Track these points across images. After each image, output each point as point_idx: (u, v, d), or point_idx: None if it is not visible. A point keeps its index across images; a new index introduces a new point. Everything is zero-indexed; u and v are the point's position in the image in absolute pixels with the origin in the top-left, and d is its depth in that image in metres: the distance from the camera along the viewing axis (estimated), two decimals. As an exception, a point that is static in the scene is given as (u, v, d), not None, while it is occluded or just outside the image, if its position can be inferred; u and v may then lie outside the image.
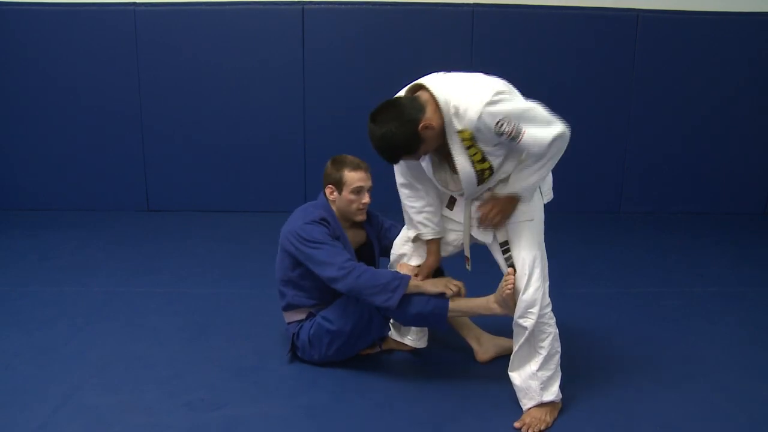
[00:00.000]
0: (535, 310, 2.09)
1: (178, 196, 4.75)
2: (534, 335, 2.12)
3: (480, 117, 1.88)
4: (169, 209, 4.73)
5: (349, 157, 2.48)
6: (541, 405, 2.14)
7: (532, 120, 1.92)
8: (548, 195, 2.23)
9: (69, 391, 2.31)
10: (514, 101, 1.93)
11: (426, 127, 1.94)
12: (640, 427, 2.16)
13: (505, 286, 2.14)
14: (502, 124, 1.88)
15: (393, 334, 2.59)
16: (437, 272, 2.46)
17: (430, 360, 2.58)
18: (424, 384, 2.42)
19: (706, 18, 4.57)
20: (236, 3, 4.48)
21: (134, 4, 4.44)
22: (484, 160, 2.00)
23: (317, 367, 2.49)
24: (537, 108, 1.95)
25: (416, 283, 2.27)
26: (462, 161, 2.00)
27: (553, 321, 2.14)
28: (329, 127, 4.64)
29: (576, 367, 2.45)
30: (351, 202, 2.44)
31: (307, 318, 2.49)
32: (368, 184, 2.46)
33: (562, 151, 2.00)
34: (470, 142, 1.96)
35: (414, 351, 2.61)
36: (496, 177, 2.07)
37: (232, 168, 4.72)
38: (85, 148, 4.66)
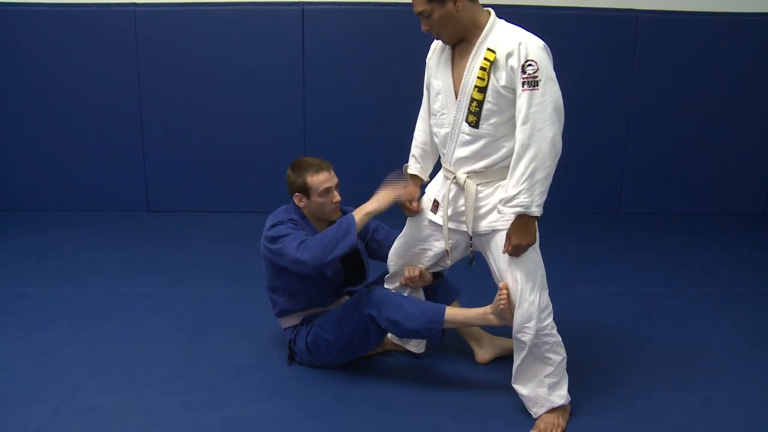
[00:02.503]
0: (532, 324, 2.05)
1: (178, 196, 4.75)
2: (537, 347, 2.08)
3: (521, 44, 1.89)
4: (168, 210, 4.73)
5: (308, 160, 2.45)
6: (552, 410, 2.13)
7: (552, 94, 1.90)
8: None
9: (69, 391, 2.31)
10: (551, 69, 1.93)
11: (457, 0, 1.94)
12: (640, 427, 2.16)
13: (498, 300, 2.12)
14: (530, 64, 1.89)
15: (391, 335, 2.59)
16: (437, 275, 2.46)
17: (429, 360, 2.58)
18: (423, 384, 2.42)
19: (706, 18, 4.57)
20: (236, 3, 4.48)
21: (134, 4, 4.44)
22: (482, 91, 1.96)
23: (316, 368, 2.49)
24: (560, 96, 1.94)
25: (362, 212, 2.26)
26: (469, 77, 1.99)
27: (554, 329, 2.10)
28: (329, 128, 4.64)
29: (576, 368, 2.43)
30: (322, 204, 2.42)
31: (302, 323, 2.49)
32: (334, 181, 2.44)
33: (557, 155, 1.95)
34: (487, 64, 1.94)
35: (413, 353, 2.62)
36: (479, 130, 2.01)
37: (232, 168, 4.71)
38: (85, 148, 4.65)
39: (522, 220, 1.98)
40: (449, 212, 2.19)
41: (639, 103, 4.71)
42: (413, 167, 2.36)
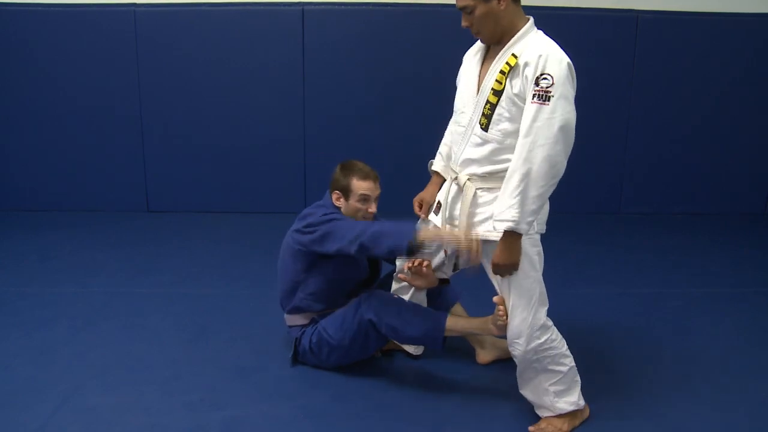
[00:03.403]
0: (521, 341, 2.03)
1: (178, 196, 4.75)
2: (539, 361, 2.06)
3: (541, 56, 1.86)
4: (168, 210, 4.73)
5: (359, 164, 2.44)
6: (560, 415, 2.12)
7: (563, 113, 1.85)
8: (541, 226, 2.05)
9: (69, 391, 2.31)
10: (570, 88, 1.88)
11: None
12: (640, 427, 2.17)
13: (498, 316, 2.11)
14: (546, 78, 1.84)
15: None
16: (443, 281, 2.45)
17: (430, 361, 2.58)
18: (424, 385, 2.43)
19: (706, 18, 4.57)
20: (236, 3, 4.48)
21: (134, 4, 4.44)
22: (497, 95, 1.95)
23: (317, 368, 2.49)
24: (572, 118, 1.88)
25: (431, 233, 2.14)
26: (489, 79, 1.98)
27: (555, 342, 2.07)
28: (329, 128, 4.64)
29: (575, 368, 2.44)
30: (357, 210, 2.42)
31: (309, 323, 2.49)
32: (376, 193, 2.44)
33: (555, 175, 1.90)
34: (507, 69, 1.92)
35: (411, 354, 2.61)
36: (488, 134, 1.99)
37: (231, 169, 4.71)
38: (85, 148, 4.65)
39: (508, 237, 1.94)
40: (446, 214, 2.18)
41: (639, 103, 4.71)
42: (437, 164, 2.34)
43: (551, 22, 4.70)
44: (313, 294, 2.45)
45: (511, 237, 1.94)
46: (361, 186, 2.39)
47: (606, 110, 4.72)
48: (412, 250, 2.10)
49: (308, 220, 2.36)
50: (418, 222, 2.35)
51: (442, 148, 2.33)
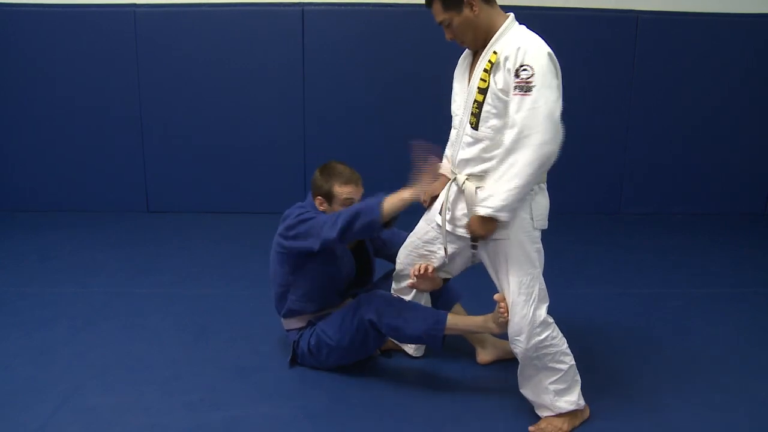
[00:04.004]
0: (522, 338, 2.04)
1: (178, 197, 4.75)
2: (539, 359, 2.07)
3: (519, 49, 1.88)
4: (168, 210, 4.73)
5: (339, 168, 2.41)
6: (560, 414, 2.12)
7: (547, 102, 1.86)
8: (540, 222, 2.07)
9: (69, 391, 2.31)
10: (552, 78, 1.89)
11: (470, 3, 1.95)
12: (640, 427, 2.16)
13: (498, 310, 2.11)
14: (525, 69, 1.86)
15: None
16: (443, 281, 2.45)
17: (430, 361, 2.58)
18: (424, 385, 2.42)
19: (706, 19, 4.57)
20: (236, 4, 4.48)
21: (134, 4, 4.44)
22: (483, 93, 1.97)
23: (316, 369, 2.49)
24: (557, 107, 1.90)
25: (398, 197, 2.17)
26: (475, 78, 2.01)
27: (556, 339, 2.07)
28: (329, 128, 4.64)
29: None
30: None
31: (306, 326, 2.49)
32: (359, 194, 2.42)
33: (542, 165, 1.91)
34: (489, 66, 1.95)
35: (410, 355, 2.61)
36: (478, 132, 2.01)
37: (231, 169, 4.71)
38: (85, 149, 4.65)
39: (486, 218, 1.99)
40: (448, 216, 2.18)
41: (639, 103, 4.71)
42: (444, 167, 2.33)
43: (552, 23, 4.73)
44: (304, 295, 2.45)
45: (490, 219, 1.98)
46: (343, 191, 2.38)
47: (606, 110, 4.72)
48: (386, 220, 2.17)
49: (287, 223, 2.36)
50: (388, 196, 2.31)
51: (447, 151, 2.34)
